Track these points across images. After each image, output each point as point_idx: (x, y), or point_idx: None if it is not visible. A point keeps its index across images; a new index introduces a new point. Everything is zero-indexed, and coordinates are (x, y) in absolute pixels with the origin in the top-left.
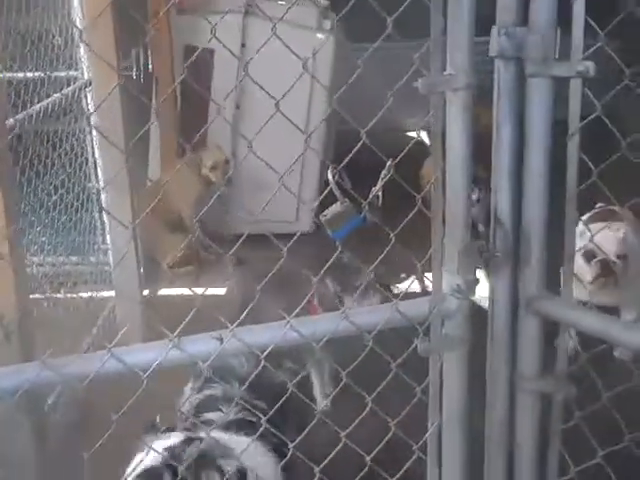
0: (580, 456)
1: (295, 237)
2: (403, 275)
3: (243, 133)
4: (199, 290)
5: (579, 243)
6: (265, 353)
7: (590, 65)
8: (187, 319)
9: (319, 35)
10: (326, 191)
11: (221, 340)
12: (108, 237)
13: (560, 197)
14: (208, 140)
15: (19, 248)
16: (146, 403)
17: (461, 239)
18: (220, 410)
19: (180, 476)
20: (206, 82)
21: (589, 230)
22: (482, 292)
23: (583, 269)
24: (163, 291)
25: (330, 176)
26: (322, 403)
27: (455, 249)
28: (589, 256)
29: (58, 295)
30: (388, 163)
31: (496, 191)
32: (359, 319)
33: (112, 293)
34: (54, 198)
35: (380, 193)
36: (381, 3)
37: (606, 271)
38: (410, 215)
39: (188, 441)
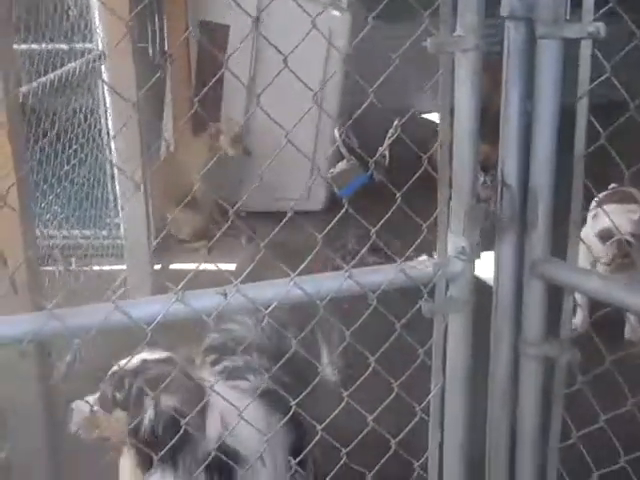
0: (583, 422)
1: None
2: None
3: (258, 110)
4: (211, 265)
5: (593, 225)
6: (269, 309)
7: (601, 26)
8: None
9: (336, 12)
10: (333, 148)
11: (225, 295)
12: (120, 210)
13: (569, 165)
14: (222, 116)
15: (27, 196)
16: None
17: (467, 201)
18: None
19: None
20: (221, 57)
21: (603, 210)
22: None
23: (599, 250)
24: (175, 265)
25: (337, 134)
26: (331, 375)
27: (461, 211)
28: (605, 236)
29: (70, 267)
30: (395, 122)
31: (504, 154)
32: (363, 278)
33: (124, 267)
34: (66, 168)
35: (387, 153)
36: None
37: (622, 251)
38: (416, 175)
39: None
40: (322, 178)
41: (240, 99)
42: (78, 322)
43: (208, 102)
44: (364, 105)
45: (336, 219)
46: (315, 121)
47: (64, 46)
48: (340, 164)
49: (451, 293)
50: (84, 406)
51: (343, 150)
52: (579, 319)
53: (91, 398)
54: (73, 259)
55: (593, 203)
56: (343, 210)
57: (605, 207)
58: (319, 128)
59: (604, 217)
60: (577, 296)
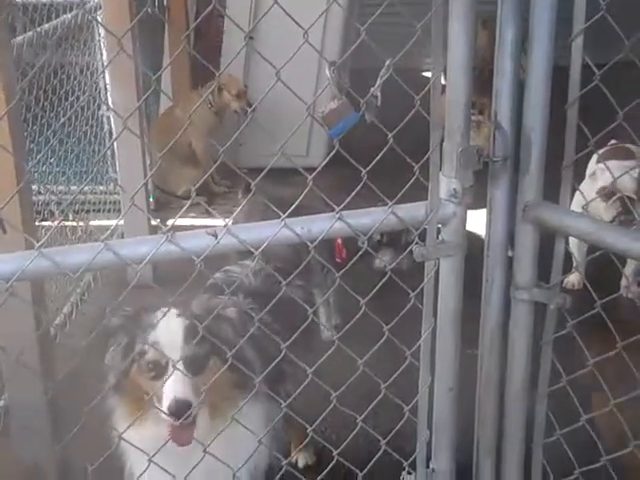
0: (572, 367)
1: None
2: None
3: (257, 64)
4: (209, 221)
5: (591, 183)
6: (260, 249)
7: None
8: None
9: None
10: (324, 88)
11: (215, 236)
12: (117, 166)
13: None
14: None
15: (19, 136)
16: None
17: (460, 142)
18: None
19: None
20: (219, 13)
21: (606, 167)
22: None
23: (601, 208)
24: (173, 221)
25: (328, 72)
26: (327, 333)
27: (453, 153)
28: (608, 195)
29: (67, 222)
30: (387, 62)
31: (497, 95)
32: (354, 220)
33: (121, 222)
34: (62, 120)
35: (379, 93)
36: None
37: (625, 209)
38: (410, 115)
39: None
40: (316, 121)
41: (239, 56)
42: (67, 260)
43: (207, 57)
44: (357, 42)
45: (325, 161)
46: (315, 75)
47: None
48: (331, 103)
49: (443, 236)
50: None
51: (334, 89)
52: (575, 278)
53: None
54: (70, 214)
55: (592, 160)
56: (333, 151)
57: (604, 164)
58: (319, 82)
59: (603, 175)
60: (574, 250)
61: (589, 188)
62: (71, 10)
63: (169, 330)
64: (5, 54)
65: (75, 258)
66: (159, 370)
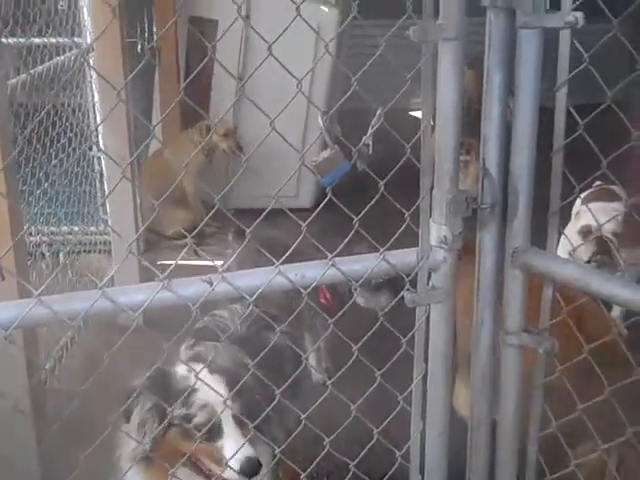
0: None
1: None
2: None
3: (246, 105)
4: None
5: (575, 223)
6: (254, 297)
7: (579, 16)
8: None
9: (324, 8)
10: (317, 138)
11: (211, 283)
12: (108, 207)
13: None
14: (210, 114)
15: (14, 184)
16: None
17: (449, 189)
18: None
19: None
20: (210, 53)
21: (587, 208)
22: None
23: (582, 248)
24: (162, 261)
25: (320, 121)
26: (318, 377)
27: (443, 199)
28: (586, 233)
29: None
30: (378, 111)
31: (485, 140)
32: (347, 267)
33: (111, 263)
34: (54, 162)
35: (370, 142)
36: None
37: (602, 248)
38: (399, 164)
39: None
40: (308, 169)
41: (229, 96)
42: (65, 308)
43: (197, 100)
44: (348, 93)
45: (319, 208)
46: (303, 118)
47: (52, 40)
48: (323, 152)
49: (433, 282)
50: None
51: (327, 138)
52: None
53: None
54: (61, 254)
55: (577, 201)
56: (326, 199)
57: (589, 205)
58: (307, 125)
59: (586, 215)
60: None
61: (573, 228)
62: (64, 52)
63: (212, 390)
64: (2, 108)
65: (73, 305)
66: (212, 432)
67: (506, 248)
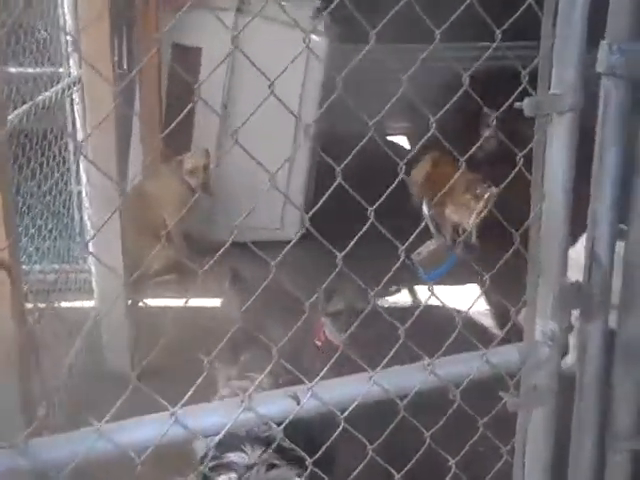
0: None
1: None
2: (394, 287)
3: (230, 135)
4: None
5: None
6: (345, 413)
7: None
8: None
9: (314, 37)
10: (422, 226)
11: (297, 399)
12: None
13: None
14: (193, 144)
15: (18, 260)
16: None
17: (557, 280)
18: None
19: None
20: (193, 82)
21: None
22: None
23: None
24: (147, 301)
25: (425, 208)
26: None
27: (550, 292)
28: None
29: (41, 305)
30: (486, 195)
31: (594, 222)
32: (443, 371)
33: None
34: (29, 202)
35: (474, 231)
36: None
37: None
38: (506, 256)
39: None
40: (295, 207)
41: (213, 126)
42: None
43: (179, 130)
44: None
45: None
46: (289, 149)
47: (36, 70)
48: (428, 243)
49: (536, 382)
50: None
51: (431, 227)
52: None
53: None
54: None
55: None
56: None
57: None
58: (293, 156)
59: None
60: None
61: None
62: (46, 84)
63: None
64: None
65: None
66: None
67: (617, 342)
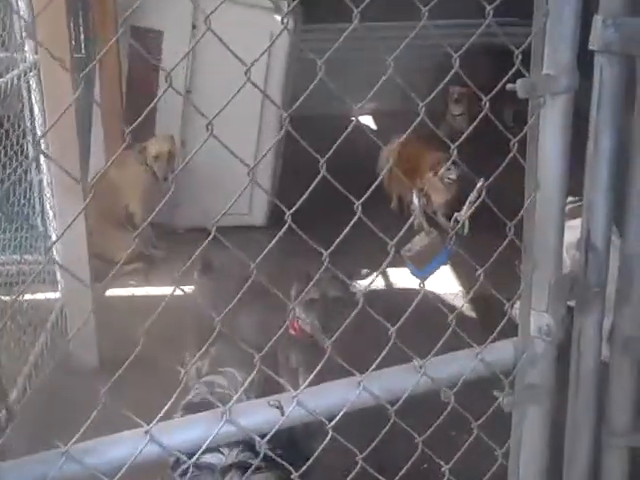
0: None
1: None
2: (365, 270)
3: (194, 119)
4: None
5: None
6: (333, 422)
7: None
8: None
9: (277, 16)
10: (412, 219)
11: (281, 408)
12: (53, 234)
13: None
14: (157, 129)
15: None
16: None
17: (552, 271)
18: None
19: None
20: (154, 66)
21: None
22: None
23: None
24: (112, 290)
25: (415, 200)
26: None
27: (545, 283)
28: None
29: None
30: (478, 184)
31: (589, 210)
32: (436, 373)
33: (58, 295)
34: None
35: (467, 222)
36: None
37: None
38: (500, 248)
39: None
40: (260, 187)
41: (176, 109)
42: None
43: (140, 110)
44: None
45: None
46: (256, 132)
47: None
48: (418, 238)
49: (529, 380)
50: None
51: (422, 220)
52: None
53: None
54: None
55: None
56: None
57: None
58: (260, 139)
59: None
60: None
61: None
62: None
63: None
64: None
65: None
66: None
67: (614, 335)
